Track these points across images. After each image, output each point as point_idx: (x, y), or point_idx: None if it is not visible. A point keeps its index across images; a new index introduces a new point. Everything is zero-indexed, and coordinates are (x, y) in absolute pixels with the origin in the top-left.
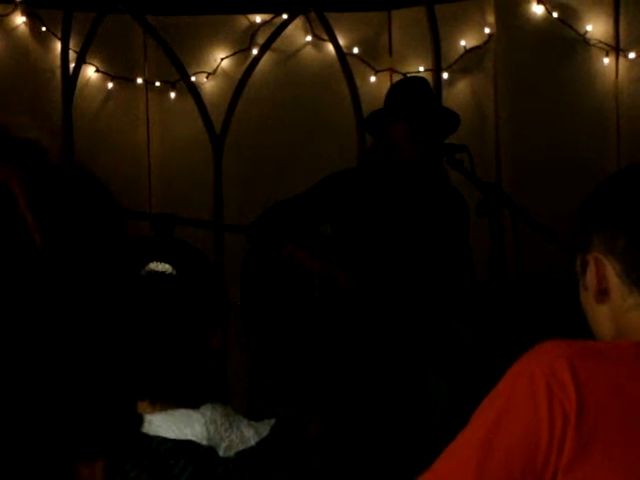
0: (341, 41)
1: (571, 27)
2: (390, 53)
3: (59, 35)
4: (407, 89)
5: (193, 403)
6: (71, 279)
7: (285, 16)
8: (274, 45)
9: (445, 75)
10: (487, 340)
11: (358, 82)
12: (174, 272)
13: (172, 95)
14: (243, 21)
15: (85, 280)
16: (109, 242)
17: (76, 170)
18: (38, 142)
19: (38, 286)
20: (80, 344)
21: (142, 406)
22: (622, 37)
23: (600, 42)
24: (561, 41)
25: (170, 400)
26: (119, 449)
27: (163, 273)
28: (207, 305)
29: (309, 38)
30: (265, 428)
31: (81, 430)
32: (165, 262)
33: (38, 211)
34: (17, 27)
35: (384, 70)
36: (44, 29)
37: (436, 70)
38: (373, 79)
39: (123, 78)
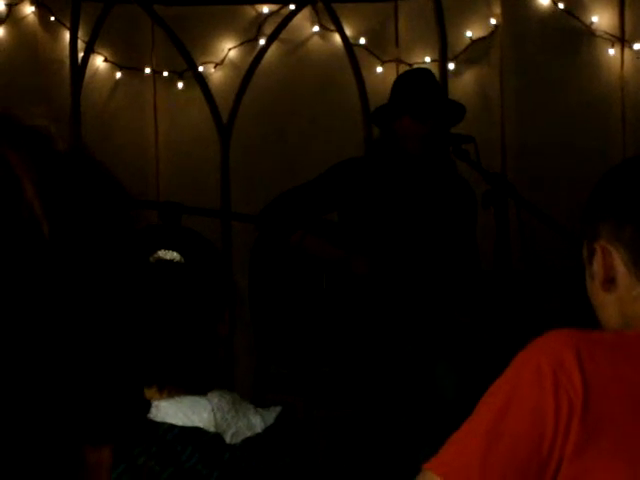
0: (348, 32)
1: (577, 18)
2: (397, 44)
3: (68, 25)
4: (411, 82)
5: (200, 390)
6: (80, 268)
7: (292, 6)
8: (281, 35)
9: (451, 66)
10: (489, 330)
11: (365, 73)
12: (182, 260)
13: (180, 85)
14: (250, 11)
15: (94, 269)
16: (118, 231)
17: (85, 158)
18: (46, 129)
19: (47, 275)
20: (89, 330)
21: (150, 392)
22: (628, 28)
23: (606, 33)
24: (567, 32)
25: (178, 387)
26: (127, 434)
27: (171, 261)
28: (214, 292)
29: (316, 28)
30: (272, 415)
31: (88, 415)
32: (173, 250)
33: (46, 200)
34: (26, 17)
35: (391, 61)
36: (53, 19)
37: (442, 61)
38: (380, 70)
39: (131, 68)
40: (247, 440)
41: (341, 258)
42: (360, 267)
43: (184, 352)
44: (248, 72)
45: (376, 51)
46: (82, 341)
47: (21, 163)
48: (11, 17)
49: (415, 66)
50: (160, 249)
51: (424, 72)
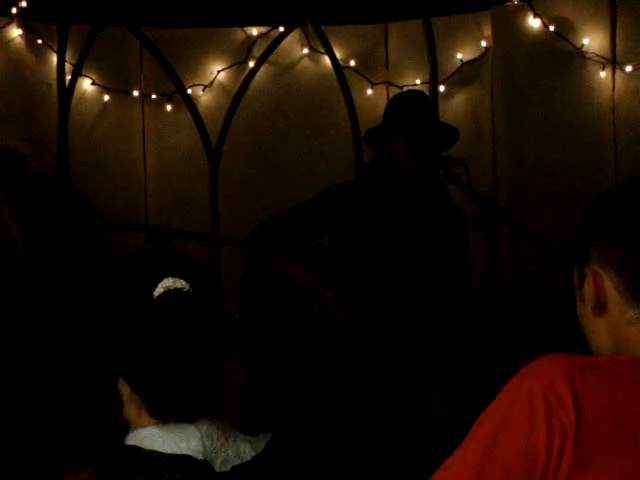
0: (338, 54)
1: (568, 40)
2: (387, 66)
3: (55, 47)
4: (405, 103)
5: (190, 417)
6: (56, 287)
7: (282, 29)
8: (271, 58)
9: (442, 88)
10: (480, 354)
11: (355, 95)
12: (190, 289)
13: (168, 108)
14: (240, 34)
15: (69, 288)
16: (91, 249)
17: (55, 179)
18: (16, 150)
19: (23, 294)
20: (65, 352)
21: (138, 419)
22: (618, 50)
23: (597, 55)
24: (558, 54)
25: (170, 414)
26: (105, 456)
27: (181, 290)
28: (223, 322)
29: (306, 51)
30: (261, 443)
31: (68, 437)
32: (176, 275)
33: (21, 220)
34: (13, 39)
35: (381, 83)
36: (40, 41)
37: (433, 83)
38: (370, 92)
39: (119, 90)
40: (236, 468)
41: (315, 293)
42: (329, 305)
43: (191, 385)
44: (237, 95)
45: (366, 73)
46: (60, 361)
47: None
48: None
49: (405, 88)
50: (165, 276)
51: (418, 94)
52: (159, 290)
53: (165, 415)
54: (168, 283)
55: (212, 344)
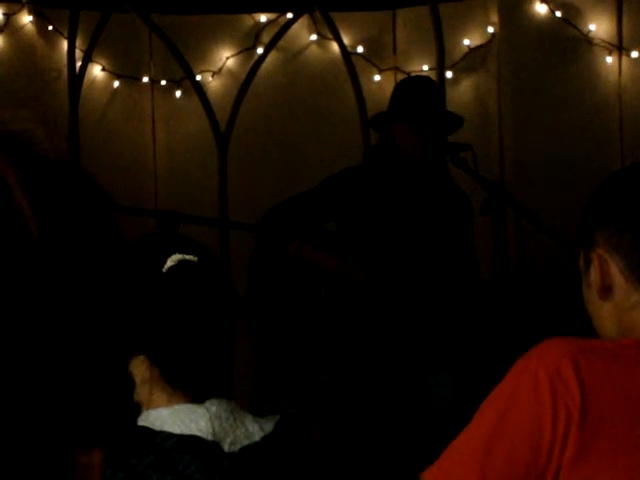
0: (346, 40)
1: (574, 26)
2: (394, 52)
3: (66, 34)
4: (410, 90)
5: (199, 397)
6: (69, 269)
7: (290, 15)
8: (279, 44)
9: (449, 74)
10: (487, 339)
11: (362, 81)
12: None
13: (177, 94)
14: (248, 20)
15: (83, 270)
16: (103, 232)
17: (66, 162)
18: (27, 132)
19: (36, 277)
20: (78, 333)
21: (155, 400)
22: (625, 36)
23: (603, 41)
24: (564, 40)
25: (185, 392)
26: (117, 437)
27: (193, 262)
28: (230, 292)
29: (314, 37)
30: (270, 424)
31: (80, 418)
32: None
33: (34, 201)
34: (24, 26)
35: (388, 69)
36: (51, 28)
37: (440, 69)
38: (377, 78)
39: (129, 77)
40: (245, 448)
41: (337, 268)
42: (357, 278)
43: (206, 348)
44: (246, 81)
45: (374, 59)
46: (71, 343)
47: (8, 165)
48: (9, 26)
49: (413, 74)
50: (171, 254)
51: (424, 80)
52: (169, 264)
53: (182, 384)
54: (177, 257)
55: (223, 309)
